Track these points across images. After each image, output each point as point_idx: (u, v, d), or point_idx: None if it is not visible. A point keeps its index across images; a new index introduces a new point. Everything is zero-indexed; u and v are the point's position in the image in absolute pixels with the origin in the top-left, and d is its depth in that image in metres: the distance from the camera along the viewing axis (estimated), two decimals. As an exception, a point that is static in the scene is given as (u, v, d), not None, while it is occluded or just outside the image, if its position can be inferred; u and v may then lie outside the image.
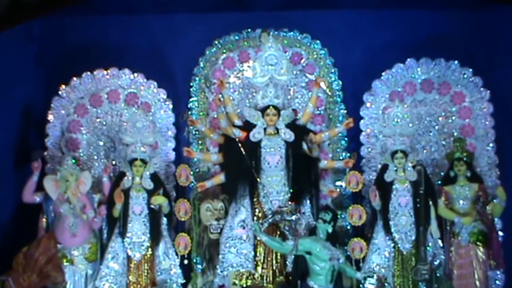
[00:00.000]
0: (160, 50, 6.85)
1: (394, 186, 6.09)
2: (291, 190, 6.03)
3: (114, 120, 6.62)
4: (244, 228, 5.96)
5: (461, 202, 6.12)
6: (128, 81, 6.68)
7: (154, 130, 6.27)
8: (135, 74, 6.67)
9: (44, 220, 6.17)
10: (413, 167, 6.07)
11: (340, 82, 6.76)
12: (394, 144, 6.14)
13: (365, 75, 6.65)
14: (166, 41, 6.82)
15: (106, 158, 6.56)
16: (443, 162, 6.42)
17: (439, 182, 6.31)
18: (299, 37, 6.77)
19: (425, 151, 6.57)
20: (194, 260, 6.03)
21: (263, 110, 6.14)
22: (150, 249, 6.04)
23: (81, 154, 6.55)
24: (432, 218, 6.02)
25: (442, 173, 6.42)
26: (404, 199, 6.05)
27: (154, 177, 6.14)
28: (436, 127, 6.61)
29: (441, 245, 6.03)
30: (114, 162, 6.55)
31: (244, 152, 5.94)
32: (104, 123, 6.64)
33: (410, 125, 6.18)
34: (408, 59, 6.63)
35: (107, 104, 6.65)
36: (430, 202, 6.06)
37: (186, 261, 6.01)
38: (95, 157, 6.58)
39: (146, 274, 6.02)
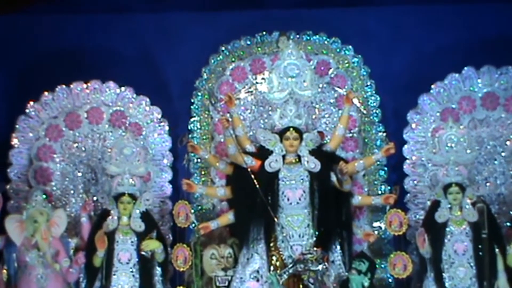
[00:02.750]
0: (153, 58, 6.81)
1: (448, 229, 5.88)
2: (316, 233, 5.87)
3: (95, 145, 6.54)
4: (258, 280, 5.85)
5: (538, 250, 5.85)
6: (113, 97, 6.58)
7: (145, 158, 6.17)
8: (122, 88, 6.58)
9: (4, 271, 5.95)
10: (473, 204, 5.87)
11: (378, 98, 6.61)
12: (448, 175, 5.92)
13: (409, 89, 6.54)
14: (161, 47, 6.77)
15: (86, 192, 6.46)
16: (513, 198, 6.10)
17: (508, 223, 6.18)
18: (326, 42, 6.65)
19: (488, 184, 6.39)
20: (196, 321, 5.81)
21: (282, 133, 5.99)
22: (139, 307, 5.84)
23: (54, 188, 6.46)
24: (499, 271, 5.79)
25: (511, 212, 6.29)
26: (462, 245, 5.82)
27: (145, 216, 6.01)
28: (503, 154, 6.40)
29: (513, 305, 5.73)
30: (95, 198, 6.45)
31: (258, 186, 5.78)
32: (83, 149, 6.55)
33: (468, 151, 5.98)
34: (466, 68, 6.47)
35: (87, 125, 6.56)
36: (496, 250, 5.83)
37: (185, 322, 5.81)
38: (72, 191, 6.49)
39: None
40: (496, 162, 6.38)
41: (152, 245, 5.87)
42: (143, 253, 5.87)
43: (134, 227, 5.89)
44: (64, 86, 6.48)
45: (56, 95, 6.49)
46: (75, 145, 6.49)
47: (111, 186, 5.99)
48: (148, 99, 6.51)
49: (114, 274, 5.81)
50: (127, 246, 5.86)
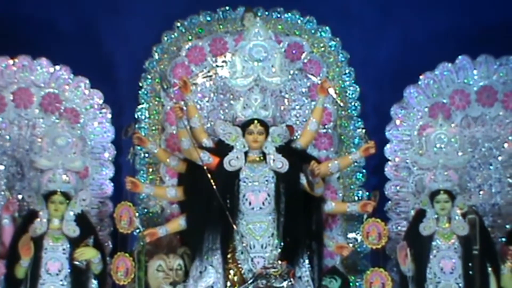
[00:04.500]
0: (95, 32, 6.70)
1: (434, 243, 5.85)
2: (282, 244, 5.82)
3: (23, 134, 6.39)
4: (212, 297, 5.92)
5: (536, 269, 5.82)
6: (46, 76, 6.43)
7: (83, 150, 6.14)
8: (57, 67, 6.44)
9: None
10: (463, 215, 5.83)
11: (358, 88, 6.55)
12: (435, 181, 5.90)
13: (394, 79, 6.53)
14: (104, 19, 6.69)
15: (9, 189, 6.32)
16: (509, 209, 6.29)
17: (503, 238, 6.14)
18: (299, 21, 6.59)
19: (481, 192, 6.37)
20: None
21: (245, 126, 5.93)
22: (71, 328, 5.88)
23: (-30, 183, 6.08)
24: (492, 292, 5.64)
25: (507, 226, 6.26)
26: (449, 263, 5.79)
27: (81, 219, 5.92)
28: (500, 158, 6.38)
29: (507, 332, 5.72)
30: (20, 196, 6.30)
31: (214, 187, 5.71)
32: (8, 137, 6.41)
33: (460, 153, 5.97)
34: (460, 57, 6.42)
35: (12, 109, 6.41)
36: (489, 269, 5.82)
37: None
38: (-8, 187, 6.13)
39: None
40: (491, 167, 6.35)
41: (87, 253, 5.78)
42: (76, 262, 5.76)
43: (66, 231, 5.78)
44: (-15, 61, 6.19)
45: (-24, 72, 6.23)
46: (-2, 132, 6.13)
47: (41, 183, 5.89)
48: (87, 81, 6.40)
49: (41, 288, 5.62)
50: (58, 254, 5.75)
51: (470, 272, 5.66)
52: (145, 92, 6.52)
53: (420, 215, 5.89)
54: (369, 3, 6.60)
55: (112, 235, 6.19)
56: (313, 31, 6.51)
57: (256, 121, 5.85)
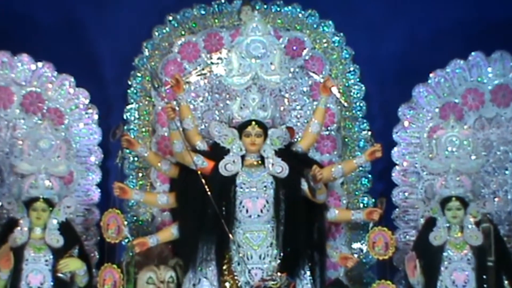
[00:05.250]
0: (81, 27, 6.68)
1: (445, 254, 5.81)
2: (281, 254, 5.78)
3: (2, 136, 6.34)
4: (206, 312, 5.90)
5: (556, 282, 5.76)
6: (27, 74, 6.40)
7: (67, 154, 6.09)
8: (39, 64, 6.40)
9: None
10: (477, 224, 5.80)
11: (363, 87, 6.53)
12: (447, 187, 5.88)
13: (402, 77, 6.51)
14: (91, 13, 6.67)
15: None
16: (527, 217, 6.03)
17: None
18: (300, 15, 6.56)
19: (496, 199, 6.32)
20: None
21: (242, 128, 5.89)
22: None
23: None
24: (509, 307, 5.61)
25: None
26: (462, 275, 5.76)
27: (65, 228, 5.88)
28: None
29: None
30: None
31: (209, 193, 5.67)
32: None
33: (473, 157, 5.96)
34: (473, 53, 6.39)
35: None
36: (505, 281, 5.79)
37: None
38: (-32, 194, 6.11)
39: None
40: (507, 172, 6.33)
41: (72, 265, 5.74)
42: (60, 275, 5.73)
43: (49, 241, 5.74)
44: (-38, 58, 6.14)
45: (-49, 69, 6.16)
46: (-25, 134, 6.15)
47: (21, 189, 5.86)
48: (72, 79, 6.38)
49: (22, 303, 5.68)
50: (40, 265, 5.71)
51: (485, 286, 5.66)
52: (135, 91, 6.49)
53: (430, 223, 5.86)
54: (375, -4, 6.53)
55: (98, 245, 6.18)
56: (315, 26, 6.51)
57: (253, 123, 5.82)
